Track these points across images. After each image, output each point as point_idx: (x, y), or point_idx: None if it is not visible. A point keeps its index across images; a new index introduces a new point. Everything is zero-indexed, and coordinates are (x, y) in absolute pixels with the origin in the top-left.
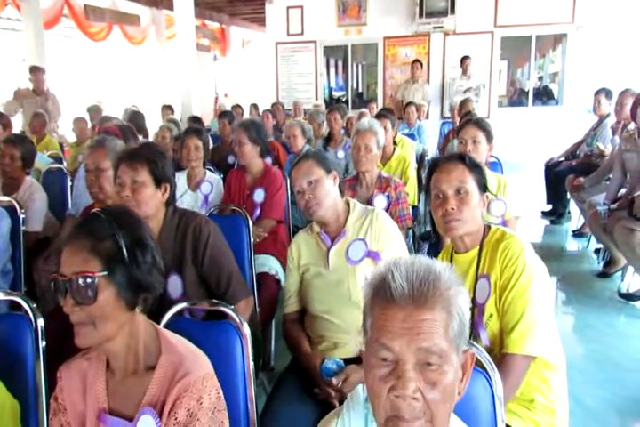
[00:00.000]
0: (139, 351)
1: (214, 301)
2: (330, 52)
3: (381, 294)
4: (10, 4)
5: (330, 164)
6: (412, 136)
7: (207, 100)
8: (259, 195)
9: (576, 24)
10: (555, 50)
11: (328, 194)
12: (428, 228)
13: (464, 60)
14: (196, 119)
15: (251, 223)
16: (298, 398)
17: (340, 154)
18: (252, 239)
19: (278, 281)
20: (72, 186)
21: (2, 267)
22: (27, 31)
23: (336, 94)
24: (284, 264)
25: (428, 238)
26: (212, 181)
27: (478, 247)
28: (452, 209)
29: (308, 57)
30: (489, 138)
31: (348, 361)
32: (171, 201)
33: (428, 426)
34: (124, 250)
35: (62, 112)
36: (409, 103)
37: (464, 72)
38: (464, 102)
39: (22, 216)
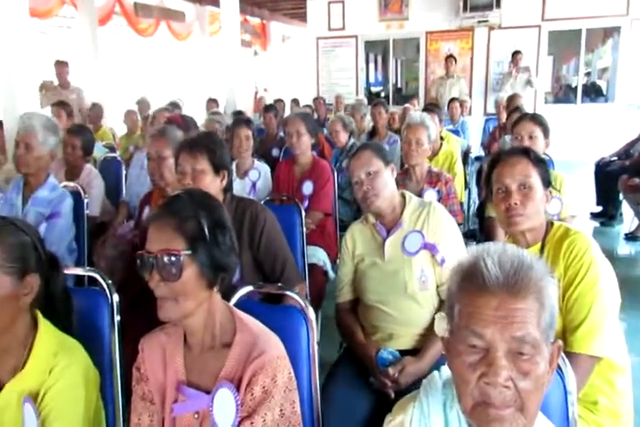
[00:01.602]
0: (215, 329)
1: (279, 285)
2: (369, 46)
3: (472, 280)
4: (67, 2)
5: (388, 155)
6: (455, 132)
7: (247, 94)
8: (307, 187)
9: (630, 17)
10: (604, 44)
11: (386, 185)
12: (472, 226)
13: (515, 54)
14: (240, 113)
15: (304, 213)
16: (352, 387)
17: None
18: (304, 229)
19: (326, 273)
20: (126, 174)
21: (68, 245)
22: (82, 28)
23: (374, 89)
24: (331, 256)
25: (474, 237)
26: (260, 170)
27: (540, 243)
28: (516, 204)
29: (348, 52)
30: (546, 133)
31: (402, 353)
32: (228, 188)
33: (517, 415)
34: (206, 230)
35: (88, 104)
36: (452, 99)
37: (515, 67)
38: (512, 98)
39: (86, 200)
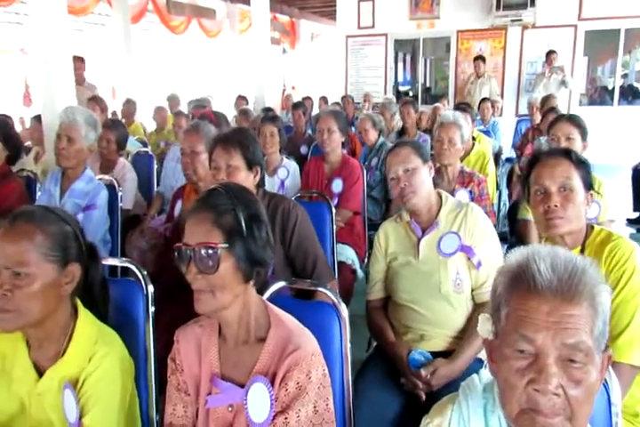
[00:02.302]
0: (250, 323)
1: (313, 281)
2: (398, 45)
3: (523, 283)
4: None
5: (426, 153)
6: (486, 133)
7: (275, 92)
8: (337, 185)
9: None
10: None
11: (423, 183)
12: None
13: (549, 54)
14: (269, 110)
15: (334, 211)
16: (383, 387)
17: None
18: (334, 226)
19: (354, 271)
20: (157, 169)
21: (102, 236)
22: (116, 25)
23: (402, 89)
24: (359, 255)
25: (505, 239)
26: (289, 168)
27: (580, 248)
28: (556, 206)
29: (377, 50)
30: (583, 135)
31: (434, 354)
32: (261, 184)
33: (566, 424)
34: (243, 224)
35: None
36: (484, 99)
37: (549, 67)
38: (546, 99)
39: (120, 193)
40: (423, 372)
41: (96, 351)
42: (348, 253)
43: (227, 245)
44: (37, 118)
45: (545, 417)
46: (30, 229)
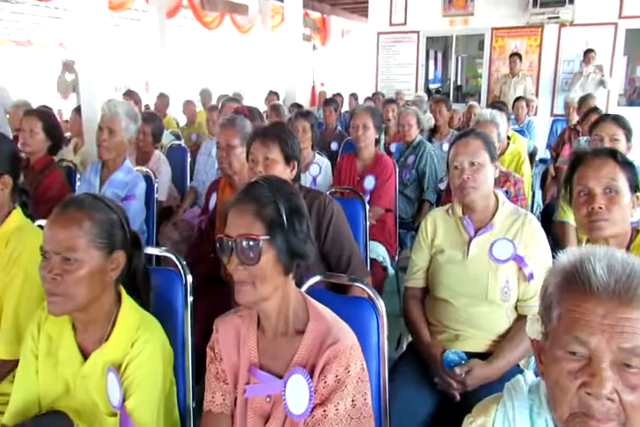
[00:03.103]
0: (289, 315)
1: (351, 276)
2: (429, 42)
3: (578, 284)
4: None
5: (495, 151)
6: (520, 132)
7: (305, 88)
8: (369, 182)
9: None
10: None
11: (486, 181)
12: None
13: (587, 53)
14: (298, 106)
15: (367, 207)
16: (416, 385)
17: (446, 147)
18: (367, 223)
19: (385, 268)
20: (191, 162)
21: (139, 226)
22: (151, 21)
23: (432, 86)
24: (390, 253)
25: None
26: (321, 164)
27: (624, 251)
28: (600, 208)
29: (409, 47)
30: (628, 136)
31: (468, 355)
32: (297, 178)
33: None
34: (284, 217)
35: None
36: (519, 98)
37: (587, 66)
38: (585, 99)
39: (156, 185)
40: (458, 370)
41: (139, 337)
42: (379, 251)
43: (268, 237)
44: (77, 110)
45: (597, 422)
46: (80, 215)
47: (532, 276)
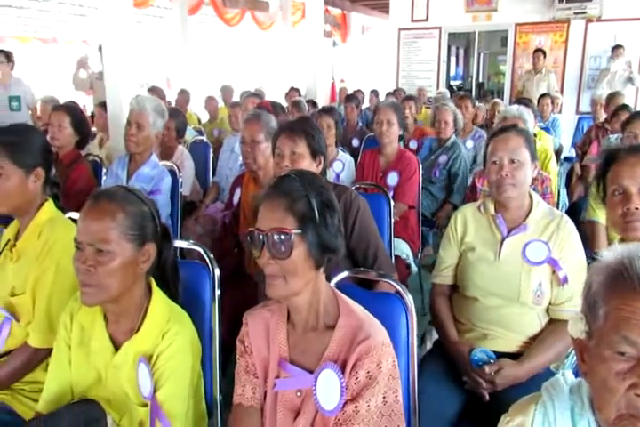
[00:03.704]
0: (319, 309)
1: (379, 271)
2: (451, 39)
3: (625, 282)
4: None
5: (535, 149)
6: (546, 130)
7: (325, 84)
8: (392, 178)
9: None
10: None
11: (525, 180)
12: None
13: (615, 49)
14: (313, 103)
15: (392, 203)
16: (442, 383)
17: (469, 144)
18: (392, 219)
19: (408, 266)
20: (213, 157)
21: (164, 220)
22: (174, 18)
23: (453, 83)
24: (413, 250)
25: None
26: (344, 161)
27: None
28: (637, 209)
29: (431, 44)
30: None
31: (496, 355)
32: (323, 173)
33: None
34: (316, 211)
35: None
36: (544, 95)
37: (615, 63)
38: (613, 96)
39: (180, 180)
40: (487, 369)
41: (169, 329)
42: (402, 248)
43: (299, 231)
44: (102, 105)
45: None
46: (113, 207)
47: (566, 279)
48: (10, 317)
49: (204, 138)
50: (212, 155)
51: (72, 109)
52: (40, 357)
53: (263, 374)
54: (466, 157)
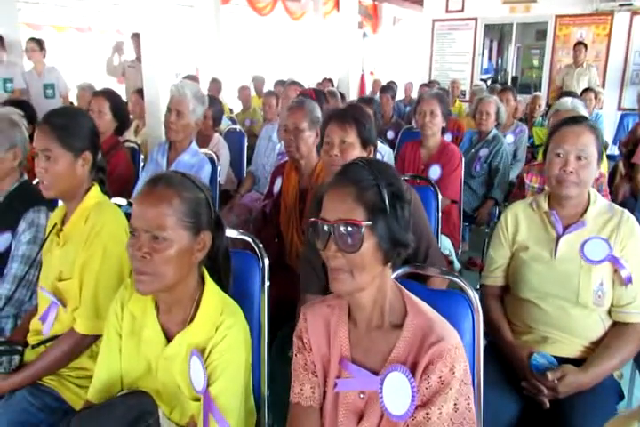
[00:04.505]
0: (385, 307)
1: (443, 269)
2: (485, 31)
3: None
4: None
5: (603, 149)
6: None
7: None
8: (434, 171)
9: None
10: None
11: (590, 180)
12: None
13: None
14: (341, 96)
15: (440, 197)
16: (498, 388)
17: (510, 138)
18: (439, 213)
19: (451, 262)
20: (247, 146)
21: None
22: (206, 7)
23: (483, 77)
24: (455, 246)
25: None
26: (383, 153)
27: None
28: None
29: (466, 35)
30: None
31: (557, 360)
32: None
33: None
34: (387, 202)
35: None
36: (587, 89)
37: None
38: None
39: (219, 168)
40: (550, 376)
41: (222, 322)
42: (445, 243)
43: (370, 223)
44: (139, 93)
45: None
46: (169, 193)
47: (629, 279)
48: (57, 302)
49: (239, 127)
50: (246, 144)
51: (112, 96)
52: (86, 343)
53: (323, 373)
54: (508, 151)
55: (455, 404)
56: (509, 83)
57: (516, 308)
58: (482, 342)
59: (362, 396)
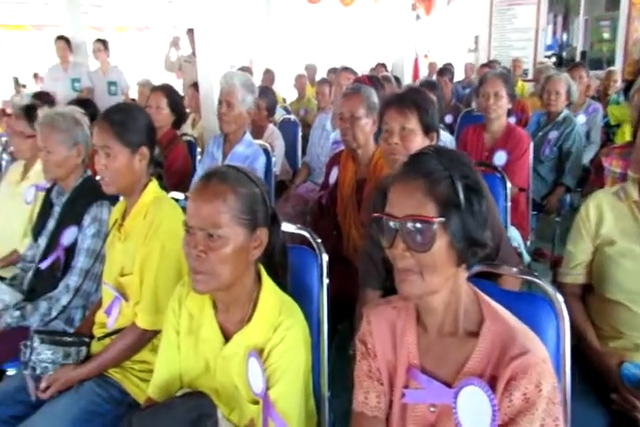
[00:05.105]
0: (459, 312)
1: (521, 268)
2: (550, 3)
3: None
4: None
5: None
6: None
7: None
8: (499, 157)
9: None
10: None
11: None
12: None
13: None
14: (397, 80)
15: (509, 185)
16: (584, 399)
17: (582, 118)
18: (509, 203)
19: (520, 254)
20: (302, 136)
21: None
22: None
23: (547, 53)
24: (523, 237)
25: None
26: (444, 140)
27: None
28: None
29: (528, 10)
30: None
31: None
32: None
33: None
34: (461, 195)
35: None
36: None
37: None
38: None
39: (274, 159)
40: None
41: (281, 322)
42: (514, 235)
43: (442, 220)
44: (194, 86)
45: None
46: (224, 189)
47: None
48: (119, 296)
49: (293, 116)
50: (300, 133)
51: (169, 90)
52: (147, 337)
53: (388, 381)
54: (581, 133)
55: (542, 425)
56: (578, 58)
57: (601, 310)
58: (568, 353)
59: (432, 409)
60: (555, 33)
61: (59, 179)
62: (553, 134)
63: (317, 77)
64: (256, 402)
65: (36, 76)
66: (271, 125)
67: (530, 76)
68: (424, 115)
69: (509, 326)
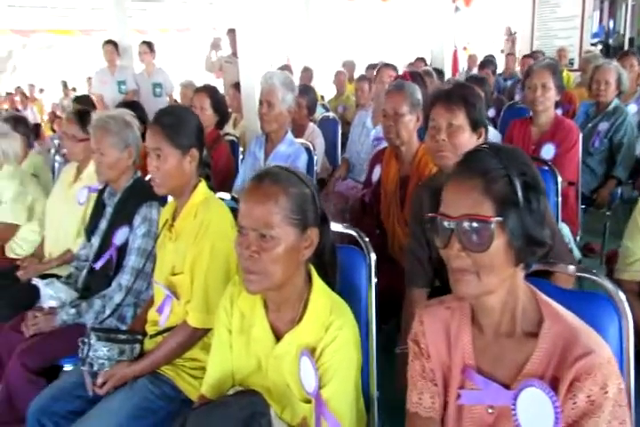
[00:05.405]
0: (516, 312)
1: (580, 266)
2: None
3: None
4: None
5: None
6: None
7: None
8: (547, 151)
9: None
10: None
11: None
12: None
13: None
14: (439, 73)
15: (560, 179)
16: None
17: (633, 108)
18: (559, 198)
19: (570, 250)
20: (341, 133)
21: None
22: None
23: (592, 41)
24: (573, 232)
25: None
26: (490, 135)
27: None
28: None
29: None
30: None
31: None
32: None
33: None
34: (520, 194)
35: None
36: None
37: None
38: None
39: (315, 157)
40: None
41: (332, 322)
42: (565, 230)
43: (500, 219)
44: (236, 86)
45: None
46: (276, 190)
47: None
48: (171, 295)
49: (332, 114)
50: (340, 131)
51: (212, 91)
52: (198, 335)
53: (443, 382)
54: (633, 123)
55: None
56: (626, 46)
57: None
58: (632, 354)
59: (490, 411)
60: (601, 20)
61: (111, 180)
62: (603, 126)
63: (355, 74)
64: (308, 401)
65: (89, 79)
66: (312, 124)
67: (575, 66)
68: (471, 110)
69: (571, 326)
